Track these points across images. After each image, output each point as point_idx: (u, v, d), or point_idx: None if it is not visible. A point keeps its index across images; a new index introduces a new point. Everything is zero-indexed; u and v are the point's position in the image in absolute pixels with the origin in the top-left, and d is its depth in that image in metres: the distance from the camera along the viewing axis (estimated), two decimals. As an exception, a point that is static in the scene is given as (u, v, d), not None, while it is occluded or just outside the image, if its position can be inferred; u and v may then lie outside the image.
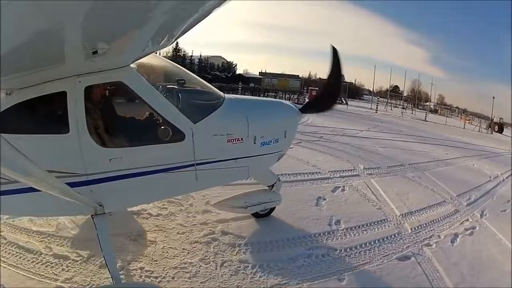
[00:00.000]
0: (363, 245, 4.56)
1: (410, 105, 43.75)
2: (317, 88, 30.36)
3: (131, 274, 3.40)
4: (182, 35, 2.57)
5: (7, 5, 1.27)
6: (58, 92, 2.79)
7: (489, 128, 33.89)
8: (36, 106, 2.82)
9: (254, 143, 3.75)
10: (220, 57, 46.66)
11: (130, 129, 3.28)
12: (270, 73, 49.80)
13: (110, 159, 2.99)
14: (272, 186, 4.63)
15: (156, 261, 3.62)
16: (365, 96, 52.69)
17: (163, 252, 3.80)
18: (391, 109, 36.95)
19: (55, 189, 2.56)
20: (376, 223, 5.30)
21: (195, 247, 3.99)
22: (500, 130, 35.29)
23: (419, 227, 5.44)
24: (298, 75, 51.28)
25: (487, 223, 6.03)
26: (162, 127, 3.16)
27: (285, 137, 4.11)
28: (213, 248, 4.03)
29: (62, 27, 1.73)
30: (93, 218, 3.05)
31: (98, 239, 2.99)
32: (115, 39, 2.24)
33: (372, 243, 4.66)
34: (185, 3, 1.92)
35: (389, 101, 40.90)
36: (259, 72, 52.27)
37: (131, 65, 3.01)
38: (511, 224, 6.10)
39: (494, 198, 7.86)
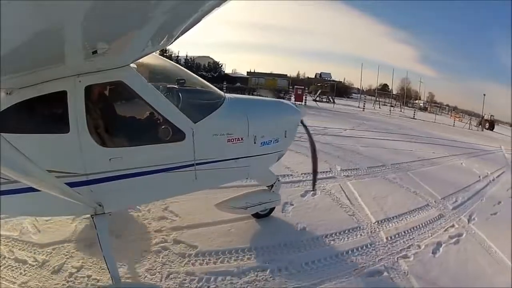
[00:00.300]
0: (328, 258, 4.08)
1: (398, 103, 43.91)
2: (302, 87, 30.70)
3: (79, 281, 3.32)
4: (182, 35, 2.58)
5: (7, 4, 1.27)
6: (58, 91, 2.78)
7: (480, 126, 34.02)
8: (36, 106, 2.81)
9: (254, 143, 3.77)
10: (208, 57, 46.65)
11: (130, 129, 3.28)
12: (258, 72, 49.94)
13: (110, 159, 2.99)
14: (272, 186, 4.63)
15: (103, 269, 3.44)
16: (354, 94, 53.17)
17: (112, 261, 3.71)
18: (379, 107, 36.80)
19: (55, 189, 2.55)
20: (346, 232, 4.79)
21: (144, 256, 3.79)
22: (491, 128, 35.29)
23: (396, 236, 4.92)
24: (286, 75, 51.75)
25: (475, 229, 5.53)
26: (162, 127, 3.16)
27: (285, 137, 4.13)
28: (162, 258, 3.80)
29: (62, 27, 1.73)
30: (93, 218, 3.05)
31: (98, 239, 2.99)
32: (115, 39, 2.25)
33: (339, 255, 4.19)
34: (185, 3, 1.92)
35: (377, 99, 41.01)
36: (247, 72, 52.44)
37: (131, 65, 3.01)
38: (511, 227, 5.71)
39: (484, 200, 7.32)
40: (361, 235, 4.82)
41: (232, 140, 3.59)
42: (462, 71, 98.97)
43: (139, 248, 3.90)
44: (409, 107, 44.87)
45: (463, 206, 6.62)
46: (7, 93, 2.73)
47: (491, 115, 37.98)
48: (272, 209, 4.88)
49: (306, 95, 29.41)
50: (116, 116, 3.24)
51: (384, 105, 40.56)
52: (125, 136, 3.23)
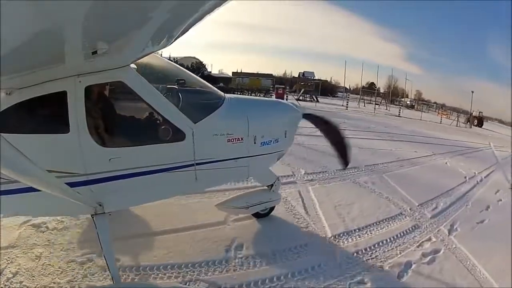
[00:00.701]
0: (259, 283, 3.43)
1: (384, 101, 44.08)
2: (282, 86, 30.85)
3: (13, 286, 3.29)
4: (182, 35, 2.58)
5: (7, 4, 1.27)
6: (58, 91, 2.78)
7: (468, 122, 34.15)
8: (36, 106, 2.80)
9: (254, 143, 3.78)
10: (193, 57, 46.64)
11: (130, 129, 3.28)
12: (244, 72, 50.66)
13: (110, 159, 2.99)
14: (272, 185, 4.61)
15: (33, 277, 3.42)
16: (340, 93, 53.53)
17: (42, 269, 3.54)
18: (364, 106, 36.52)
19: (55, 189, 2.55)
20: (292, 249, 4.01)
21: (69, 266, 3.60)
22: (480, 124, 35.59)
23: (355, 254, 4.08)
24: (271, 74, 52.50)
25: (456, 243, 4.63)
26: (162, 127, 3.17)
27: (285, 137, 4.14)
28: (85, 269, 3.56)
29: (62, 27, 1.73)
30: (93, 217, 3.05)
31: (98, 238, 2.98)
32: (115, 39, 2.25)
33: (273, 279, 3.50)
34: (185, 3, 1.93)
35: (361, 97, 41.26)
36: (233, 72, 53.10)
37: (131, 65, 3.02)
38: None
39: (469, 205, 6.42)
40: (310, 253, 4.01)
41: (232, 140, 3.60)
42: (450, 68, 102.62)
43: (67, 257, 3.70)
44: (396, 105, 44.96)
45: (444, 214, 5.75)
46: (7, 93, 2.73)
47: (479, 112, 38.31)
48: (272, 209, 4.88)
49: (287, 94, 29.48)
50: (116, 116, 3.25)
51: (370, 103, 40.52)
52: (125, 136, 3.23)
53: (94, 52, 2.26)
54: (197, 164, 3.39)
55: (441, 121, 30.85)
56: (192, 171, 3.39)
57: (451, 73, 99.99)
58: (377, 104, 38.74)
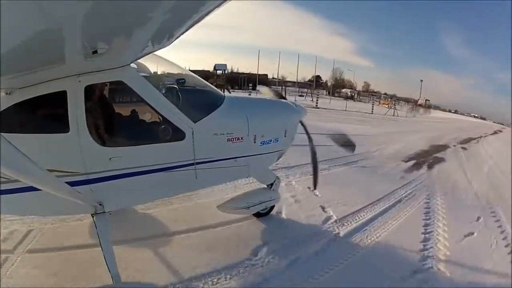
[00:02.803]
0: None
1: (310, 92, 42.72)
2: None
3: None
4: (182, 34, 2.58)
5: (7, 4, 1.26)
6: (58, 91, 2.79)
7: (412, 111, 33.93)
8: (36, 106, 2.82)
9: (254, 142, 3.80)
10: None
11: (130, 128, 3.30)
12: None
13: (110, 158, 3.00)
14: (272, 184, 4.66)
15: None
16: (272, 87, 52.88)
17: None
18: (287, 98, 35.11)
19: (55, 188, 2.56)
20: None
21: None
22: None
23: None
24: (208, 71, 52.92)
25: None
26: (162, 126, 3.18)
27: (285, 136, 4.16)
28: None
29: (62, 27, 1.73)
30: (93, 217, 3.06)
31: (98, 238, 2.98)
32: (115, 39, 2.25)
33: None
34: (185, 3, 1.92)
35: (281, 87, 39.73)
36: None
37: (131, 65, 3.02)
38: None
39: None
40: None
41: (232, 139, 3.62)
42: (402, 61, 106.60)
43: None
44: (336, 96, 45.42)
45: None
46: (7, 93, 2.74)
47: (426, 100, 39.06)
48: (272, 208, 4.91)
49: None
50: (116, 116, 3.26)
51: (301, 95, 39.54)
52: (125, 135, 3.24)
53: (94, 52, 2.26)
54: (197, 163, 3.40)
55: (372, 111, 28.31)
56: (192, 170, 3.40)
57: (403, 65, 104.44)
58: (301, 96, 38.21)
